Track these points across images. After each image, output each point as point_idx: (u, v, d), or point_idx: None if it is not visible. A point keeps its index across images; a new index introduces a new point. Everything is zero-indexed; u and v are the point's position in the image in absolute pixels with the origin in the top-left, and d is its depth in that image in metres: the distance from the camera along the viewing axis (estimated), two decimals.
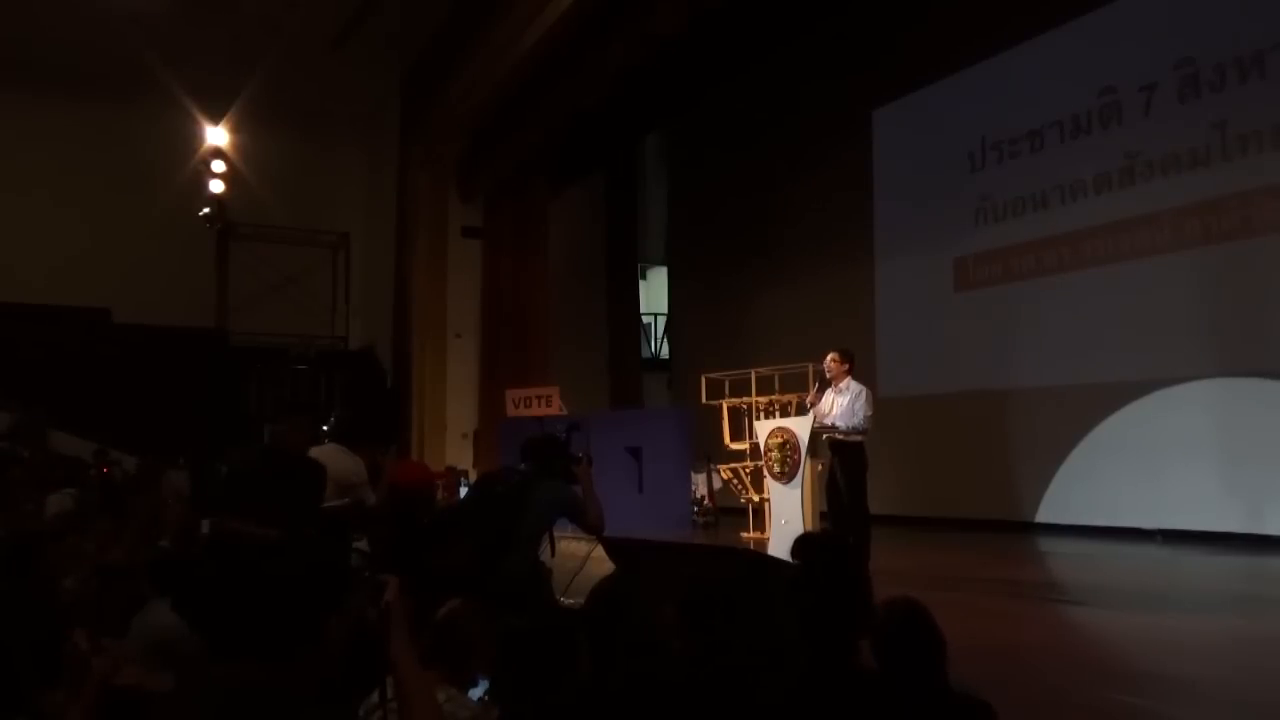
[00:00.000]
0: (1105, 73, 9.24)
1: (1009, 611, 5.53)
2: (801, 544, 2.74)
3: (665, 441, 10.74)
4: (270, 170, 15.15)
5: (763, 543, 7.99)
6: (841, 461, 6.78)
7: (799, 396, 8.31)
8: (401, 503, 4.40)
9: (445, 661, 2.54)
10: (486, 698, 2.59)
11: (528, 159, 13.49)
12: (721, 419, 9.71)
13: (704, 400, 10.03)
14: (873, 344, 11.55)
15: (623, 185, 17.31)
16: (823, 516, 7.08)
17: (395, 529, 4.16)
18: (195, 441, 11.86)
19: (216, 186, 14.38)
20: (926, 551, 8.42)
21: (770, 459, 7.40)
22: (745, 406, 9.27)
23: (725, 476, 9.88)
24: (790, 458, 7.19)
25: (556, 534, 4.28)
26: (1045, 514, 9.62)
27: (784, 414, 8.27)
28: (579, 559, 5.79)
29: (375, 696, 2.42)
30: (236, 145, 14.65)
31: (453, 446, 13.88)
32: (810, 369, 8.29)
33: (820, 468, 7.07)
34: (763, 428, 7.72)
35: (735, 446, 9.51)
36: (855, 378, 7.03)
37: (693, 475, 11.35)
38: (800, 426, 7.18)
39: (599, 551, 5.74)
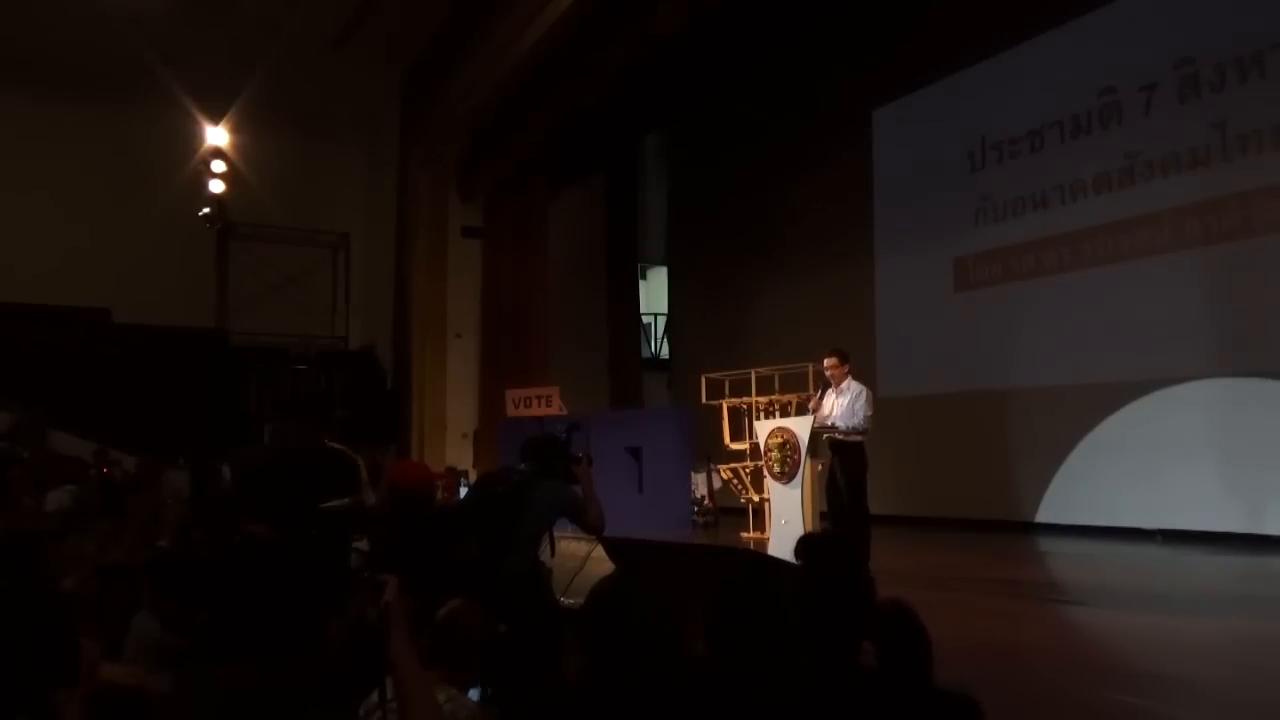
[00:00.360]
0: (1105, 73, 9.23)
1: (1009, 611, 5.53)
2: (804, 544, 2.73)
3: (665, 441, 10.74)
4: (270, 170, 15.15)
5: (763, 543, 7.99)
6: (841, 461, 6.79)
7: (799, 396, 8.33)
8: (402, 503, 4.40)
9: (445, 661, 2.54)
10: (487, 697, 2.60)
11: (528, 159, 13.50)
12: (721, 419, 9.72)
13: (704, 400, 10.03)
14: (873, 344, 11.56)
15: (623, 185, 17.31)
16: (823, 516, 7.08)
17: (395, 529, 4.16)
18: (195, 441, 11.87)
19: (216, 186, 14.37)
20: (926, 551, 8.42)
21: (770, 459, 7.40)
22: (745, 406, 9.27)
23: (725, 476, 9.88)
24: (790, 458, 7.19)
25: (556, 534, 4.28)
26: (1045, 514, 9.62)
27: (784, 414, 8.28)
28: (579, 559, 5.79)
29: (375, 696, 2.42)
30: (236, 145, 14.64)
31: (453, 446, 13.88)
32: (810, 369, 8.30)
33: (820, 468, 7.08)
34: (763, 428, 7.72)
35: (735, 446, 9.51)
36: (855, 378, 7.04)
37: (693, 475, 11.35)
38: (800, 426, 7.18)
39: (599, 551, 5.74)
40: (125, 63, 13.52)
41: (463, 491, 10.37)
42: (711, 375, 10.05)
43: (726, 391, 9.75)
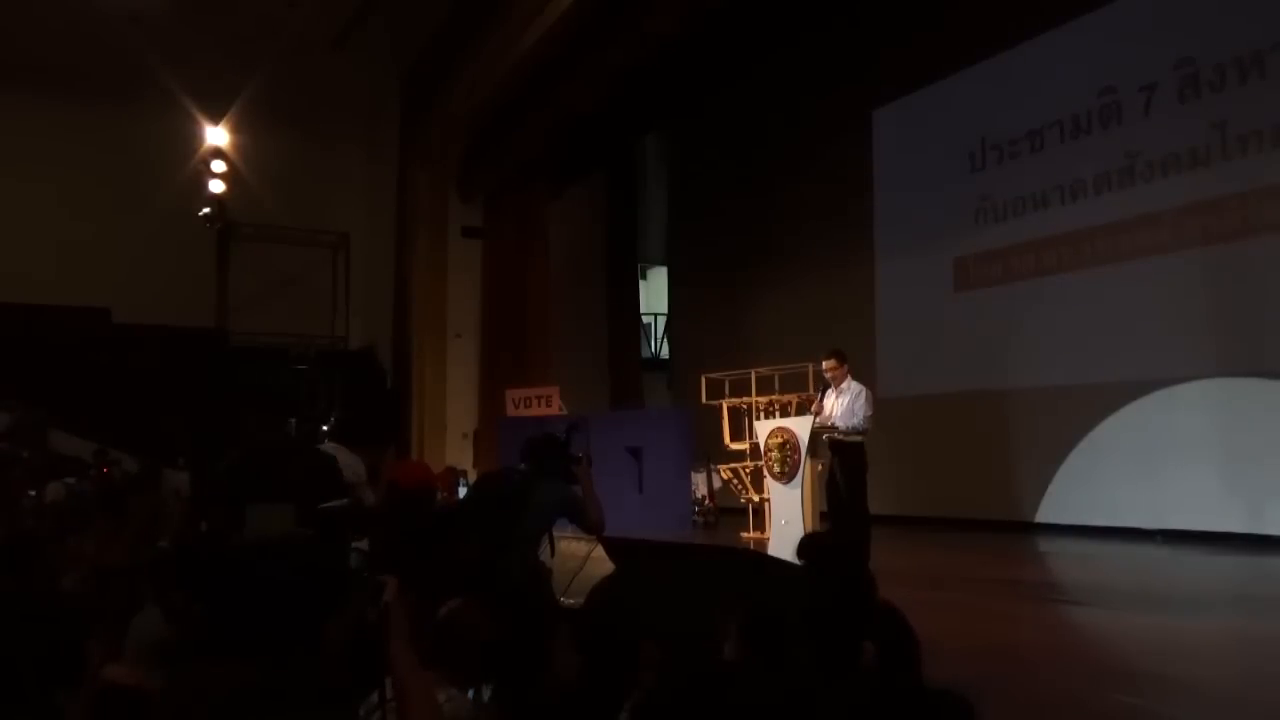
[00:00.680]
0: (1105, 73, 9.24)
1: (1009, 611, 5.54)
2: (806, 545, 2.74)
3: (665, 441, 10.74)
4: (270, 170, 15.14)
5: (763, 543, 7.99)
6: (841, 461, 6.79)
7: (799, 396, 8.33)
8: (402, 503, 4.40)
9: (445, 661, 2.54)
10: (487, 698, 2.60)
11: (528, 159, 13.49)
12: (721, 419, 9.72)
13: (704, 400, 10.03)
14: (873, 344, 11.56)
15: (623, 185, 17.30)
16: (823, 516, 7.08)
17: (395, 529, 4.16)
18: (195, 441, 11.85)
19: (216, 186, 14.37)
20: (926, 551, 8.43)
21: (770, 459, 7.40)
22: (745, 406, 9.27)
23: (725, 476, 9.88)
24: (790, 458, 7.19)
25: (556, 534, 4.28)
26: (1045, 514, 9.62)
27: (784, 414, 8.27)
28: (579, 559, 5.79)
29: (375, 696, 2.42)
30: (236, 145, 14.64)
31: (453, 446, 13.88)
32: (810, 369, 8.30)
33: (820, 468, 7.08)
34: (763, 428, 7.72)
35: (735, 446, 9.51)
36: (855, 378, 7.05)
37: (693, 475, 11.35)
38: (800, 426, 7.18)
39: (599, 551, 5.74)
40: (125, 63, 13.52)
41: (462, 491, 10.37)
42: (711, 375, 10.05)
43: (726, 391, 9.75)
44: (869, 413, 6.83)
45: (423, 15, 13.51)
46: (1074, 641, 4.90)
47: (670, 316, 17.52)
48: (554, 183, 14.91)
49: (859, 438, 6.81)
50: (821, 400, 7.12)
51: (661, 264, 18.02)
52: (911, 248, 11.35)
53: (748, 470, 9.23)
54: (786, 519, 7.20)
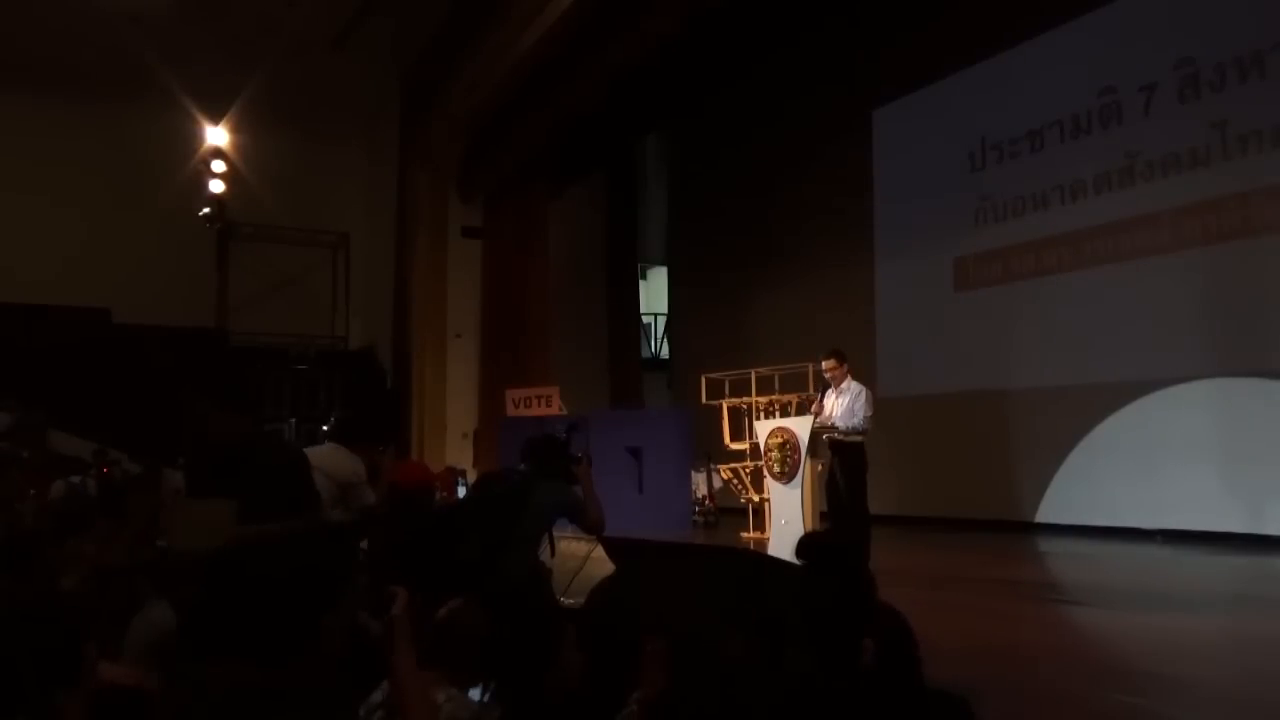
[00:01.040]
0: (1105, 73, 9.24)
1: (1009, 611, 5.54)
2: (806, 544, 2.73)
3: (665, 441, 10.74)
4: (270, 170, 15.14)
5: (763, 543, 7.99)
6: (841, 461, 6.79)
7: (799, 396, 8.33)
8: (401, 503, 4.39)
9: (445, 661, 2.54)
10: (487, 698, 2.59)
11: (528, 159, 13.49)
12: (721, 419, 9.72)
13: (704, 400, 10.03)
14: (873, 344, 11.56)
15: (623, 185, 17.31)
16: (823, 516, 7.08)
17: (395, 529, 4.15)
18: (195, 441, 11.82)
19: (216, 186, 14.37)
20: (926, 551, 8.42)
21: (770, 459, 7.40)
22: (745, 406, 9.28)
23: (725, 476, 9.88)
24: (790, 458, 7.19)
25: (556, 534, 4.28)
26: (1045, 514, 9.63)
27: (784, 414, 8.28)
28: (579, 559, 5.79)
29: (376, 696, 2.42)
30: (236, 145, 14.64)
31: (453, 446, 13.88)
32: (810, 369, 8.30)
33: (820, 468, 7.08)
34: (763, 428, 7.72)
35: (735, 446, 9.52)
36: (855, 378, 7.05)
37: (693, 475, 11.35)
38: (800, 426, 7.18)
39: (599, 551, 5.74)
40: (125, 63, 13.52)
41: (461, 491, 10.37)
42: (711, 375, 10.06)
43: (726, 391, 9.76)
44: (869, 413, 6.83)
45: (423, 15, 13.51)
46: (1074, 641, 4.90)
47: (670, 316, 17.52)
48: (554, 183, 14.91)
49: (859, 438, 6.81)
50: (821, 400, 7.13)
51: (661, 264, 18.03)
52: (911, 248, 11.35)
53: (748, 470, 9.24)
54: (786, 519, 7.20)
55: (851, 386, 6.95)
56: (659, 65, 11.03)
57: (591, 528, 4.27)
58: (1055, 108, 9.70)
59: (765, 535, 8.00)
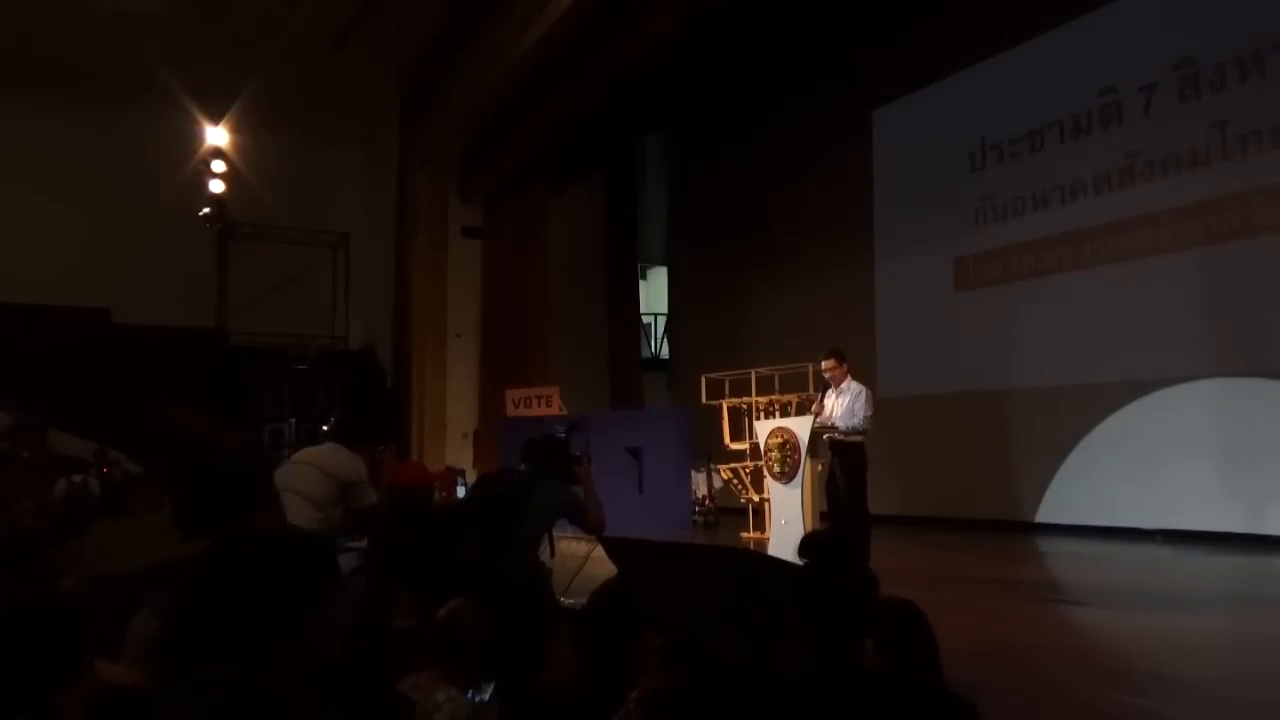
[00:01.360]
0: (1105, 73, 9.24)
1: (1009, 611, 5.54)
2: (808, 544, 2.73)
3: (665, 441, 10.74)
4: (270, 170, 15.14)
5: (763, 543, 7.99)
6: (841, 461, 6.79)
7: (799, 396, 8.33)
8: (399, 503, 4.39)
9: (445, 661, 2.54)
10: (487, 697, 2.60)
11: (528, 159, 13.49)
12: (721, 419, 9.72)
13: (704, 400, 10.04)
14: (873, 344, 11.56)
15: (623, 185, 17.31)
16: (823, 516, 7.08)
17: (395, 529, 4.15)
18: (195, 441, 11.80)
19: (216, 186, 14.36)
20: (926, 551, 8.42)
21: (770, 459, 7.39)
22: (745, 406, 9.28)
23: (725, 476, 9.88)
24: (790, 458, 7.19)
25: (556, 534, 4.28)
26: (1045, 514, 9.63)
27: (784, 414, 8.28)
28: (579, 559, 5.79)
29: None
30: (236, 145, 14.63)
31: (453, 446, 13.88)
32: (810, 369, 8.30)
33: (820, 468, 7.08)
34: (763, 428, 7.72)
35: (735, 446, 9.52)
36: (855, 378, 7.05)
37: (693, 475, 11.35)
38: (800, 426, 7.18)
39: (599, 551, 5.74)
40: (125, 63, 13.51)
41: (460, 491, 10.37)
42: (711, 375, 10.06)
43: (726, 391, 9.76)
44: (869, 413, 6.83)
45: (423, 15, 13.51)
46: (1074, 641, 4.89)
47: (670, 316, 17.52)
48: (554, 183, 14.91)
49: (859, 438, 6.80)
50: (822, 400, 7.13)
51: (661, 264, 18.03)
52: (911, 248, 11.36)
53: (748, 470, 9.24)
54: (786, 519, 7.20)
55: (851, 386, 6.95)
56: (659, 65, 11.03)
57: (591, 528, 4.27)
58: (1055, 108, 9.70)
59: (765, 535, 8.00)
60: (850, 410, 6.83)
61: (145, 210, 14.27)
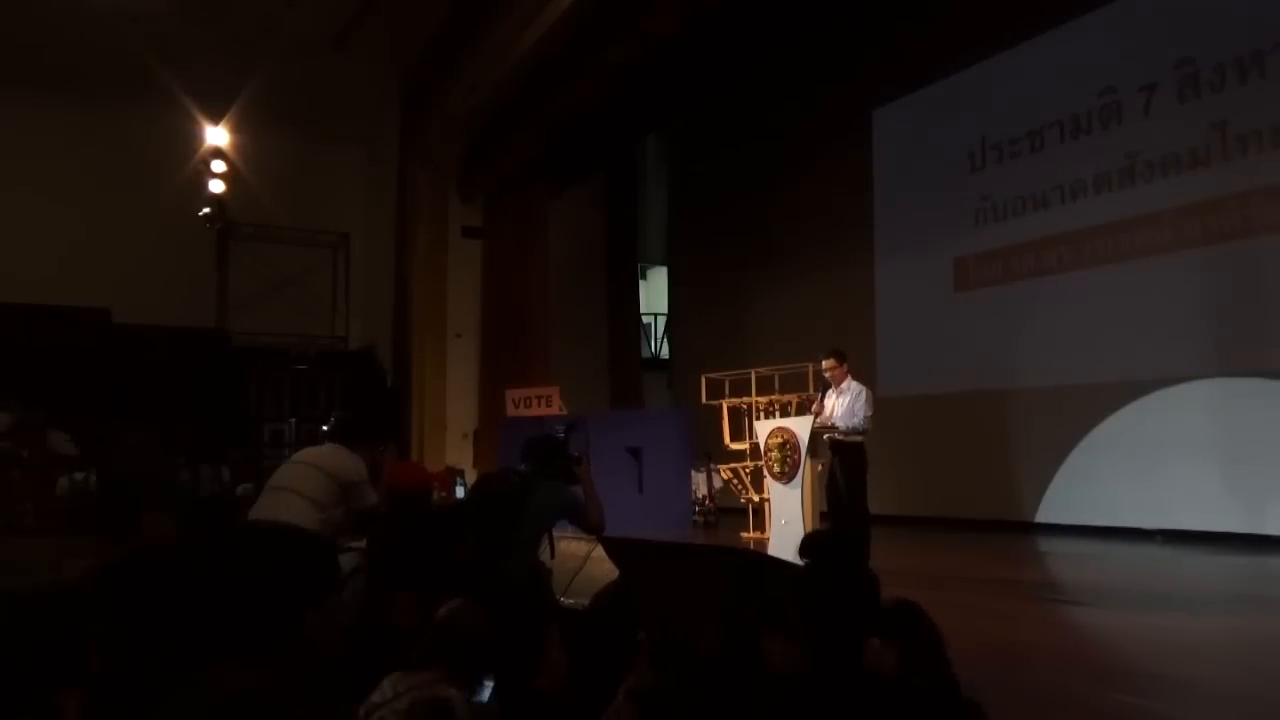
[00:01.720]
0: (1105, 73, 9.24)
1: (1009, 611, 5.54)
2: (808, 544, 2.73)
3: (665, 441, 10.74)
4: (270, 170, 15.13)
5: (763, 543, 7.99)
6: (841, 461, 6.79)
7: (799, 396, 8.34)
8: (398, 504, 4.39)
9: (445, 661, 2.54)
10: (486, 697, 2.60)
11: (528, 159, 13.49)
12: (721, 419, 9.72)
13: (704, 400, 10.04)
14: (873, 344, 11.56)
15: (623, 185, 17.31)
16: (823, 516, 7.09)
17: (394, 530, 4.15)
18: (195, 441, 11.83)
19: (216, 186, 14.35)
20: (926, 551, 8.43)
21: (770, 459, 7.40)
22: (745, 406, 9.28)
23: (725, 476, 9.88)
24: (790, 458, 7.19)
25: (556, 534, 4.28)
26: (1045, 514, 9.62)
27: (784, 414, 8.28)
28: (579, 559, 5.78)
29: (376, 696, 2.42)
30: (236, 145, 14.62)
31: (453, 446, 13.88)
32: (810, 369, 8.31)
33: (820, 468, 7.08)
34: (763, 428, 7.72)
35: (735, 446, 9.52)
36: (855, 378, 7.05)
37: (693, 475, 11.35)
38: (800, 426, 7.18)
39: (599, 551, 5.73)
40: (125, 63, 13.50)
41: (459, 491, 10.38)
42: (711, 375, 10.06)
43: (726, 391, 9.76)
44: (869, 413, 6.83)
45: (422, 15, 13.50)
46: (1074, 641, 4.89)
47: (670, 316, 17.52)
48: (554, 183, 14.91)
49: (859, 438, 6.81)
50: (822, 400, 7.13)
51: (661, 264, 18.03)
52: (911, 248, 11.36)
53: (748, 470, 9.24)
54: (786, 519, 7.20)
55: (851, 386, 6.95)
56: (659, 65, 11.03)
57: (591, 528, 4.27)
58: (1055, 108, 9.70)
59: (765, 535, 8.00)
60: (850, 410, 6.83)
61: (145, 210, 14.25)
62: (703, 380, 10.10)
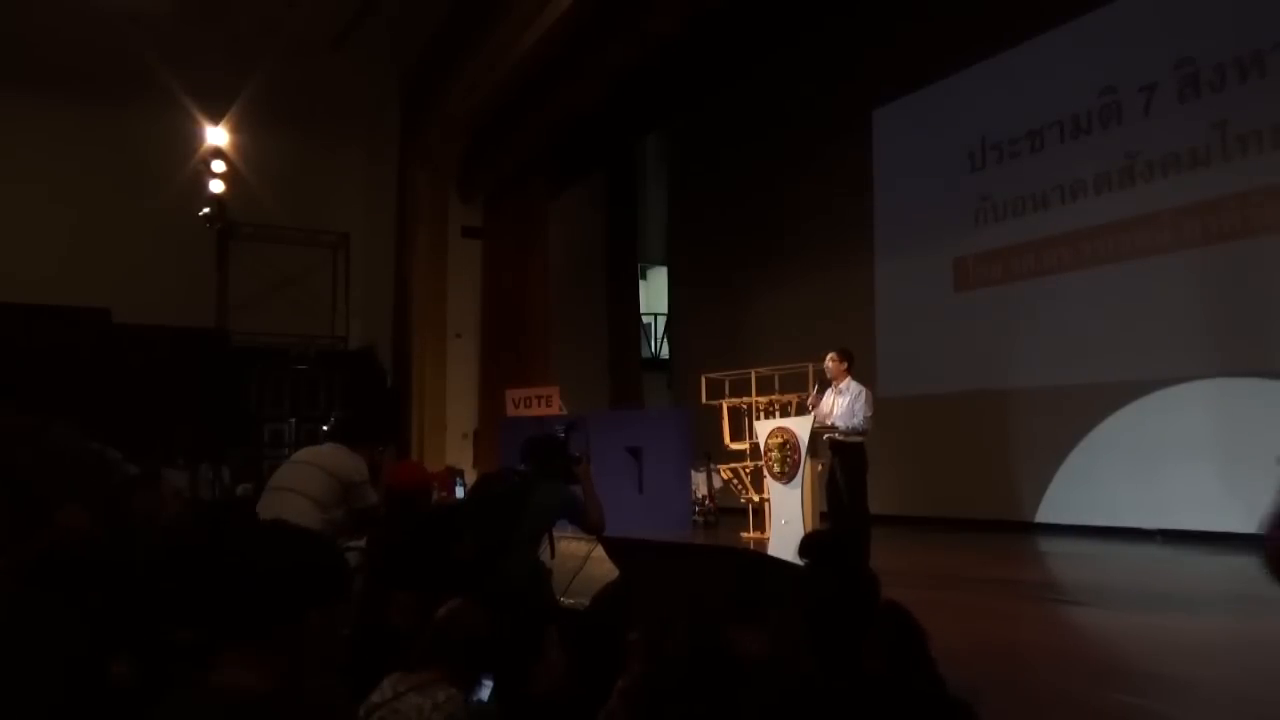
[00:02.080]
0: (1105, 73, 9.24)
1: (1009, 611, 5.54)
2: (808, 544, 2.73)
3: (665, 441, 10.74)
4: (270, 170, 15.13)
5: (763, 543, 7.99)
6: (841, 461, 6.80)
7: (799, 396, 8.33)
8: (398, 504, 4.39)
9: (445, 661, 2.54)
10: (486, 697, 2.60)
11: (528, 159, 13.49)
12: (721, 419, 9.72)
13: (704, 400, 10.04)
14: (873, 344, 11.56)
15: (623, 185, 17.31)
16: (823, 516, 7.09)
17: (394, 530, 4.15)
18: (195, 441, 11.83)
19: (216, 186, 14.35)
20: (926, 551, 8.43)
21: (770, 459, 7.40)
22: (745, 406, 9.28)
23: (725, 476, 9.88)
24: (790, 458, 7.19)
25: (556, 534, 4.28)
26: (1045, 514, 9.63)
27: (784, 414, 8.28)
28: (579, 559, 5.78)
29: (375, 696, 2.42)
30: (236, 145, 14.62)
31: (453, 446, 13.88)
32: (810, 369, 8.31)
33: (820, 468, 7.08)
34: (763, 428, 7.72)
35: (735, 446, 9.52)
36: (855, 378, 7.05)
37: (693, 475, 11.35)
38: (800, 426, 7.18)
39: (599, 551, 5.73)
40: (125, 63, 13.50)
41: (459, 491, 10.38)
42: (711, 375, 10.06)
43: (726, 391, 9.76)
44: (869, 413, 6.83)
45: (423, 15, 13.50)
46: (1074, 641, 4.89)
47: (670, 316, 17.52)
48: (554, 183, 14.91)
49: (859, 438, 6.81)
50: (819, 395, 7.12)
51: (661, 264, 18.03)
52: (911, 247, 11.36)
53: (748, 470, 9.24)
54: (786, 519, 7.20)
55: (851, 387, 6.95)
56: (659, 65, 11.03)
57: (592, 528, 4.27)
58: (1055, 108, 9.70)
59: (765, 535, 8.00)
60: (850, 410, 6.83)
61: (145, 210, 14.25)
62: (703, 380, 10.11)
